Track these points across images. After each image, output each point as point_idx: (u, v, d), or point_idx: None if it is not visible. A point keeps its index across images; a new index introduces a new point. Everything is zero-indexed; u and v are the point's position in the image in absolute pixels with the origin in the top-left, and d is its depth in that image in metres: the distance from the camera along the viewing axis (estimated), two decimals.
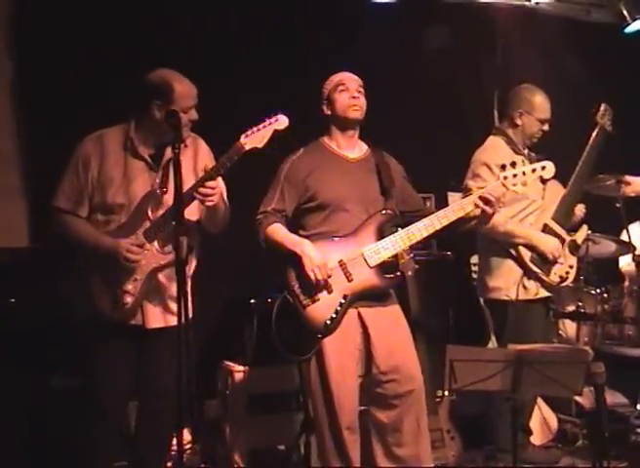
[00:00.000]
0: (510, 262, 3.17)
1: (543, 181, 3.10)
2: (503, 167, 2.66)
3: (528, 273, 3.13)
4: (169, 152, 2.45)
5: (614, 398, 3.63)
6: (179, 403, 2.20)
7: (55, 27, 3.51)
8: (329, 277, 2.59)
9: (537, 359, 2.45)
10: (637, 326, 3.74)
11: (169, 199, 2.48)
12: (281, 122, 2.49)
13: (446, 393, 3.33)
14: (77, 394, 2.81)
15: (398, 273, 2.67)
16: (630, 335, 3.77)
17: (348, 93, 2.74)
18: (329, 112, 2.78)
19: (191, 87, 2.57)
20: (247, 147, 2.47)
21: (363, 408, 2.70)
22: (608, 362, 2.65)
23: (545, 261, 3.14)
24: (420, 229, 2.64)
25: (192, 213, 2.58)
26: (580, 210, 3.34)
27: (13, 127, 3.56)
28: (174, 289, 2.54)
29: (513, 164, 2.66)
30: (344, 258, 2.63)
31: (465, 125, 4.28)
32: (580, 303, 3.67)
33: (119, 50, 3.57)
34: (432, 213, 2.69)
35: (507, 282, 3.16)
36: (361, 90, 2.77)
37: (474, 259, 3.86)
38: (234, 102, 3.64)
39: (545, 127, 3.26)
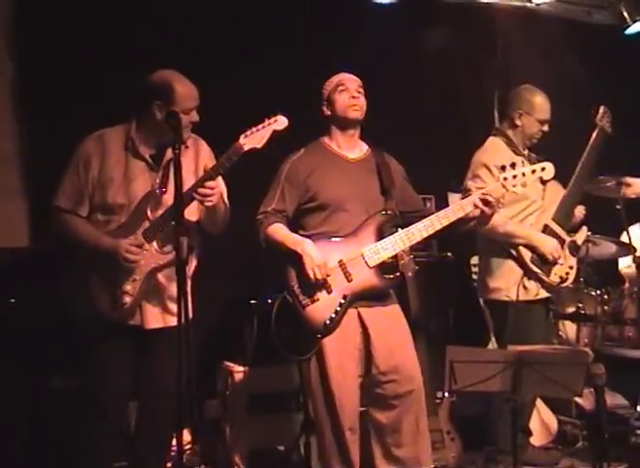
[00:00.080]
0: (510, 263, 3.17)
1: (543, 182, 3.10)
2: (503, 168, 2.66)
3: (528, 273, 3.13)
4: (169, 153, 2.45)
5: (614, 399, 3.63)
6: (179, 403, 2.20)
7: (55, 27, 3.51)
8: (328, 276, 2.59)
9: (537, 360, 2.45)
10: (637, 327, 3.73)
11: (168, 199, 2.48)
12: (280, 122, 2.48)
13: (446, 394, 3.33)
14: (77, 394, 2.81)
15: (398, 273, 2.67)
16: (630, 337, 3.76)
17: (348, 93, 2.74)
18: (329, 113, 2.78)
19: (192, 88, 2.57)
20: (246, 148, 2.47)
21: (362, 408, 2.69)
22: (608, 363, 2.65)
23: (546, 262, 3.13)
24: (420, 230, 2.64)
25: (192, 213, 2.58)
26: (579, 211, 3.34)
27: (13, 127, 3.55)
28: (173, 289, 2.54)
29: (513, 165, 2.66)
30: (344, 259, 2.63)
31: (466, 125, 4.28)
32: (580, 304, 3.67)
33: (119, 50, 3.56)
34: (432, 213, 2.69)
35: (508, 282, 3.16)
36: (361, 90, 2.77)
37: (474, 260, 3.86)
38: (234, 102, 3.64)
39: (545, 128, 3.26)
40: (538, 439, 3.43)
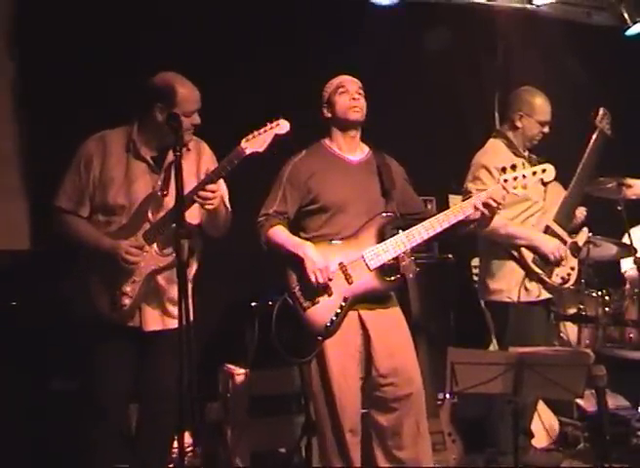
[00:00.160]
0: (512, 264, 3.17)
1: (544, 184, 3.08)
2: (504, 169, 2.66)
3: (530, 274, 3.13)
4: (171, 155, 2.44)
5: (615, 401, 3.63)
6: (180, 405, 2.19)
7: (55, 28, 3.51)
8: (330, 280, 2.58)
9: (538, 361, 2.45)
10: (638, 328, 3.73)
11: (169, 202, 2.48)
12: (282, 126, 2.48)
13: (447, 396, 3.32)
14: (77, 395, 2.80)
15: (399, 275, 2.66)
16: (631, 338, 3.76)
17: (348, 94, 2.74)
18: (329, 115, 2.78)
19: (194, 91, 2.57)
20: (247, 151, 2.47)
21: (364, 411, 2.69)
22: (609, 365, 2.66)
23: (547, 262, 3.13)
24: (421, 232, 2.64)
25: (193, 216, 2.58)
26: (580, 212, 3.34)
27: (13, 127, 3.55)
28: (172, 291, 2.54)
29: (513, 167, 2.65)
30: (345, 261, 2.63)
31: (466, 127, 4.28)
32: (581, 306, 3.67)
33: (119, 50, 3.56)
34: (433, 215, 2.69)
35: (509, 284, 3.15)
36: (361, 92, 2.77)
37: (475, 262, 3.86)
38: (234, 102, 3.64)
39: (546, 129, 3.26)
40: (539, 440, 3.43)
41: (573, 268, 3.19)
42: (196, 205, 2.50)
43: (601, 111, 3.28)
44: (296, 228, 2.73)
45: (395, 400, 2.63)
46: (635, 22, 4.57)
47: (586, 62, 4.47)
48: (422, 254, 3.70)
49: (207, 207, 2.49)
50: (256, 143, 2.47)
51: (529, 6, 4.53)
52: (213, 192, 2.46)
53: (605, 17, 4.74)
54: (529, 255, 3.13)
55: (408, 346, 2.73)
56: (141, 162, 2.59)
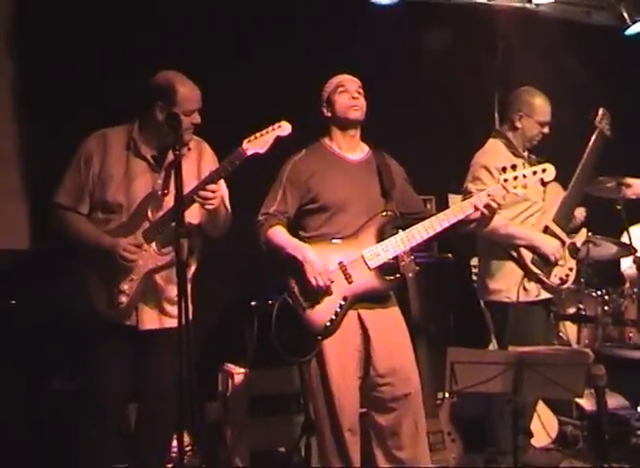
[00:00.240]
0: (511, 264, 3.17)
1: (544, 184, 3.08)
2: (504, 169, 2.66)
3: (529, 275, 3.13)
4: (172, 154, 2.45)
5: (614, 400, 3.63)
6: (179, 404, 2.19)
7: (55, 27, 3.50)
8: (331, 282, 2.58)
9: (537, 361, 2.45)
10: (638, 328, 3.73)
11: (169, 201, 2.48)
12: (284, 128, 2.49)
13: (446, 395, 3.33)
14: (76, 394, 2.80)
15: (398, 275, 2.66)
16: (631, 338, 3.76)
17: (348, 94, 2.74)
18: (329, 114, 2.78)
19: (195, 90, 2.57)
20: (249, 152, 2.48)
21: (363, 410, 2.69)
22: (608, 364, 2.66)
23: (546, 263, 3.13)
24: (421, 231, 2.64)
25: (193, 216, 2.58)
26: (580, 213, 3.34)
27: (13, 127, 3.55)
28: (170, 291, 2.55)
29: (513, 166, 2.65)
30: (344, 260, 2.63)
31: (466, 127, 4.28)
32: (580, 305, 3.67)
33: (119, 50, 3.56)
34: (432, 215, 2.69)
35: (508, 284, 3.15)
36: (360, 91, 2.77)
37: (474, 261, 3.86)
38: (234, 102, 3.64)
39: (545, 129, 3.26)
40: (538, 440, 3.43)
41: (571, 269, 3.20)
42: (196, 205, 2.50)
43: (601, 111, 3.28)
44: (295, 227, 2.73)
45: (393, 400, 2.64)
46: (635, 22, 4.57)
47: (586, 62, 4.47)
48: (422, 254, 3.70)
49: (207, 207, 2.49)
50: (257, 145, 2.48)
51: (528, 5, 4.52)
52: (213, 192, 2.47)
53: (604, 16, 4.73)
54: (528, 256, 3.13)
55: (406, 346, 2.73)
56: (142, 160, 2.60)
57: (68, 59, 3.49)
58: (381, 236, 2.66)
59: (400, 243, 2.64)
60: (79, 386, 2.80)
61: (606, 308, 3.78)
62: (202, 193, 2.46)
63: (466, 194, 3.02)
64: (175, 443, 2.73)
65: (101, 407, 2.54)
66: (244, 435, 3.27)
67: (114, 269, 2.50)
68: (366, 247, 2.64)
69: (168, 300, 2.59)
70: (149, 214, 2.54)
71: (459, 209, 2.65)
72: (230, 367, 3.42)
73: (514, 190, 2.64)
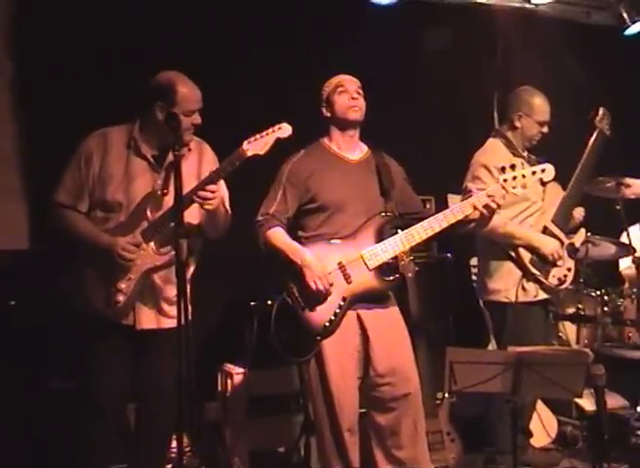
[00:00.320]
0: (510, 264, 3.17)
1: (543, 184, 3.10)
2: (503, 169, 2.66)
3: (527, 275, 3.13)
4: (172, 154, 2.45)
5: (614, 400, 3.63)
6: (179, 405, 2.19)
7: (55, 27, 3.50)
8: (331, 285, 2.58)
9: (537, 361, 2.45)
10: (637, 328, 3.73)
11: (169, 201, 2.49)
12: (285, 130, 2.49)
13: (446, 395, 3.33)
14: (75, 394, 2.80)
15: (398, 275, 2.66)
16: (630, 337, 3.77)
17: (347, 94, 2.74)
18: (328, 114, 2.78)
19: (195, 90, 2.57)
20: (249, 154, 2.48)
21: (362, 410, 2.69)
22: (608, 364, 2.65)
23: (545, 263, 3.13)
24: (420, 231, 2.64)
25: (193, 216, 2.59)
26: (579, 213, 3.34)
27: (13, 127, 3.55)
28: (168, 291, 2.55)
29: (513, 166, 2.65)
30: (344, 260, 2.63)
31: (465, 126, 4.28)
32: (579, 305, 3.67)
33: (119, 50, 3.56)
34: (432, 215, 2.69)
35: (507, 284, 3.16)
36: (360, 91, 2.77)
37: (474, 261, 3.86)
38: (234, 102, 3.64)
39: (545, 129, 3.26)
40: (538, 440, 3.43)
41: (569, 269, 3.19)
42: (196, 205, 2.50)
43: (600, 111, 3.28)
44: (294, 227, 2.73)
45: (393, 399, 2.64)
46: (634, 22, 4.57)
47: (585, 62, 4.47)
48: (421, 254, 3.70)
49: (206, 207, 2.50)
50: (257, 146, 2.48)
51: (528, 5, 4.53)
52: (212, 192, 2.47)
53: (604, 16, 4.74)
54: (526, 256, 3.13)
55: (406, 346, 2.73)
56: (142, 160, 2.60)
57: (68, 59, 3.49)
58: (381, 236, 2.66)
59: (399, 243, 2.64)
60: (78, 385, 2.80)
61: (605, 308, 3.78)
62: (201, 193, 2.46)
63: (466, 193, 3.02)
64: (174, 443, 2.74)
65: (100, 406, 2.54)
66: (243, 435, 3.26)
67: (112, 268, 2.51)
68: (365, 247, 2.64)
69: (166, 300, 2.59)
70: (148, 213, 2.55)
71: (458, 209, 2.65)
72: (230, 367, 3.42)
73: (513, 190, 2.64)
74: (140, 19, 3.66)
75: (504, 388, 2.47)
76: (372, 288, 2.65)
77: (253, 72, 3.83)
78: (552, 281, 3.15)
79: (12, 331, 3.10)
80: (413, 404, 2.66)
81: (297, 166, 2.73)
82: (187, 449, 2.83)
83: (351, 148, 2.79)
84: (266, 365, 3.23)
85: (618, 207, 3.55)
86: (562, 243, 3.18)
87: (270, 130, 2.49)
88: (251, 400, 3.31)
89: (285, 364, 3.09)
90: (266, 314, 2.67)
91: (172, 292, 2.55)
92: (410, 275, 2.70)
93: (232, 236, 2.74)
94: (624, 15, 4.58)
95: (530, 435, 3.36)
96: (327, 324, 2.60)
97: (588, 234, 3.41)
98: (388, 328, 2.70)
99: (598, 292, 3.80)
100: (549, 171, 2.67)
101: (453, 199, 3.82)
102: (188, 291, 2.43)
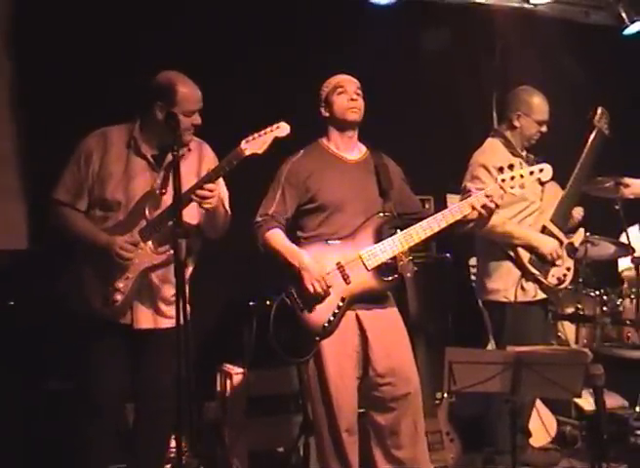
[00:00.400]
0: (509, 264, 3.17)
1: (542, 184, 3.10)
2: (501, 169, 2.65)
3: (526, 275, 3.13)
4: (170, 154, 2.45)
5: (613, 400, 3.63)
6: (178, 404, 2.19)
7: (54, 27, 3.50)
8: (329, 287, 2.58)
9: (536, 361, 2.45)
10: (636, 328, 3.74)
11: (168, 200, 2.49)
12: (282, 129, 2.49)
13: (445, 395, 3.33)
14: (73, 394, 2.80)
15: (396, 275, 2.66)
16: (629, 337, 3.77)
17: (347, 95, 2.73)
18: (327, 114, 2.78)
19: (195, 91, 2.57)
20: (247, 153, 2.48)
21: (362, 410, 2.70)
22: (607, 364, 2.65)
23: (544, 263, 3.13)
24: (419, 231, 2.64)
25: (192, 216, 2.58)
26: (578, 213, 3.34)
27: (11, 127, 3.55)
28: (166, 290, 2.55)
29: (511, 166, 2.65)
30: (342, 261, 2.63)
31: (464, 126, 4.28)
32: (578, 305, 3.67)
33: (119, 50, 3.56)
34: (430, 215, 2.69)
35: (506, 283, 3.16)
36: (359, 92, 2.76)
37: (473, 261, 3.86)
38: (233, 103, 3.64)
39: (543, 129, 3.26)
40: (537, 440, 3.43)
41: (569, 269, 3.19)
42: (195, 205, 2.50)
43: (599, 111, 3.28)
44: (293, 227, 2.73)
45: (393, 399, 2.64)
46: (633, 22, 4.58)
47: (584, 62, 4.47)
48: (420, 254, 3.70)
49: (204, 206, 2.49)
50: (255, 145, 2.48)
51: (526, 5, 4.53)
52: (211, 191, 2.47)
53: (603, 16, 4.74)
54: (525, 256, 3.13)
55: (405, 346, 2.73)
56: (142, 159, 2.60)
57: (67, 59, 3.49)
58: (379, 236, 2.65)
59: (398, 243, 2.63)
60: (75, 385, 2.80)
61: (604, 308, 3.78)
62: (199, 192, 2.46)
63: (465, 193, 3.02)
64: (173, 443, 2.73)
65: (98, 405, 2.54)
66: (242, 435, 3.26)
67: (110, 267, 2.51)
68: (363, 247, 2.64)
69: (163, 300, 2.59)
70: (147, 212, 2.54)
71: (456, 209, 2.65)
72: (229, 367, 3.42)
73: (511, 190, 2.64)
74: (140, 19, 3.66)
75: (503, 388, 2.47)
76: (370, 288, 2.65)
77: (252, 72, 3.83)
78: (551, 280, 3.15)
79: (11, 330, 3.09)
80: (413, 404, 2.66)
81: (296, 166, 2.73)
82: (186, 449, 2.84)
83: (350, 148, 2.79)
84: (265, 365, 3.23)
85: (616, 206, 3.55)
86: (561, 242, 3.18)
87: (268, 129, 2.49)
88: (250, 400, 3.31)
89: (284, 364, 3.09)
90: (265, 314, 2.67)
91: (169, 291, 2.55)
92: (409, 275, 2.70)
93: (231, 236, 2.74)
94: (623, 14, 4.59)
95: (529, 435, 3.36)
96: (326, 324, 2.60)
97: (587, 234, 3.41)
98: (387, 328, 2.69)
99: (597, 292, 3.80)
100: (547, 170, 2.67)
101: (452, 199, 3.82)
102: (187, 291, 2.44)
